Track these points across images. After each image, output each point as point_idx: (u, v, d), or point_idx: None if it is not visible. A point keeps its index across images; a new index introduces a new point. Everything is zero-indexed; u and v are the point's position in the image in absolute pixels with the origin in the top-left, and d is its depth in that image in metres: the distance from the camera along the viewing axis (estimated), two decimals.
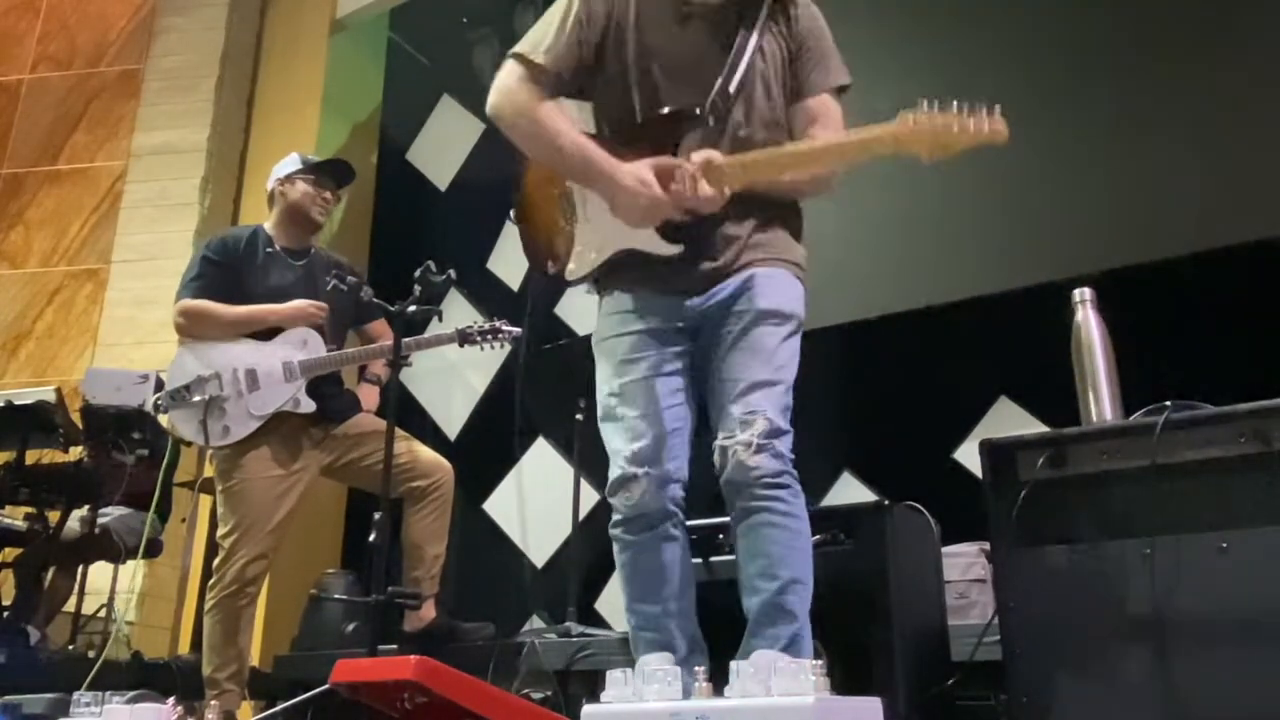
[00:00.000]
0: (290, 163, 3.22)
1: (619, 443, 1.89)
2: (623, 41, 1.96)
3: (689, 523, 1.94)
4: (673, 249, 1.88)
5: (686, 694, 1.38)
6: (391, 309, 2.88)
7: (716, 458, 1.84)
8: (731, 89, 1.90)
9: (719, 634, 1.79)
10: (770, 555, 1.76)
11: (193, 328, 3.03)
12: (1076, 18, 3.44)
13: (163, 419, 3.04)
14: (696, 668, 1.40)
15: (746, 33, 1.92)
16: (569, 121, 1.93)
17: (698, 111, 1.88)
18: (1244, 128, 3.06)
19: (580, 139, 1.90)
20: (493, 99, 2.00)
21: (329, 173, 3.23)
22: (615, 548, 1.91)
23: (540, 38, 1.97)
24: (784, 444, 1.80)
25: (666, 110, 1.91)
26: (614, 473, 1.89)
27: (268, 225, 3.21)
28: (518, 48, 1.99)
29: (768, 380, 1.83)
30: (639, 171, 1.82)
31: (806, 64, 1.99)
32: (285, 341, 3.02)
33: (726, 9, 1.95)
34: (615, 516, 1.90)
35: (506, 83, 1.98)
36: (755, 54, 1.92)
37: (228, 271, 3.07)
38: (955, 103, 1.57)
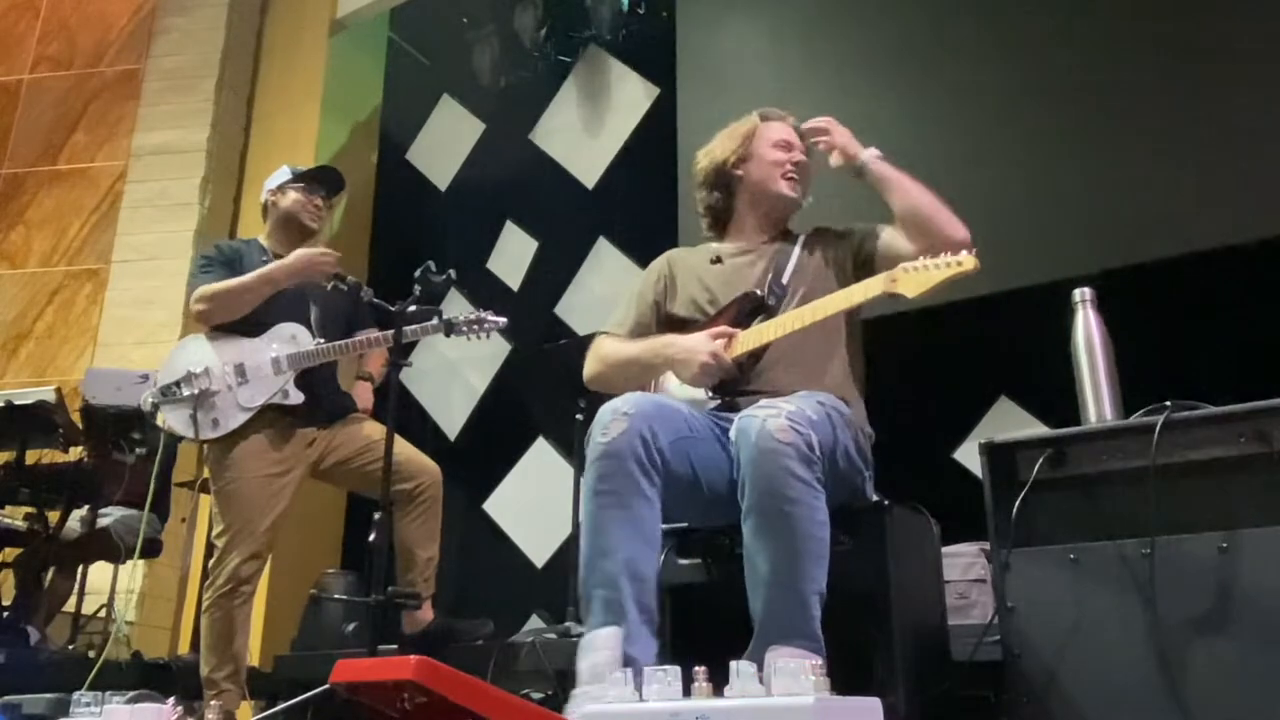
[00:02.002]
0: (280, 174, 3.26)
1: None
2: (675, 293, 2.28)
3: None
4: (714, 400, 2.07)
5: (686, 694, 1.38)
6: (392, 309, 2.88)
7: (734, 434, 1.81)
8: (784, 279, 2.14)
9: (719, 634, 1.79)
10: (787, 563, 1.69)
11: (215, 308, 3.03)
12: (1077, 16, 3.44)
13: (160, 418, 3.05)
14: (696, 668, 1.40)
15: (788, 245, 2.22)
16: (637, 341, 2.23)
17: (758, 293, 2.13)
18: (1244, 127, 3.06)
19: (648, 341, 2.19)
20: (586, 370, 2.30)
21: (319, 180, 3.26)
22: (583, 501, 1.84)
23: (618, 314, 2.33)
24: (813, 438, 1.75)
25: (728, 302, 2.17)
26: (598, 416, 1.87)
27: (262, 237, 3.25)
28: (604, 327, 2.34)
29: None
30: (697, 337, 2.07)
31: (856, 238, 2.20)
32: (273, 337, 3.04)
33: (751, 253, 2.25)
34: (588, 463, 1.84)
35: (593, 350, 2.31)
36: (801, 254, 2.19)
37: (228, 271, 3.09)
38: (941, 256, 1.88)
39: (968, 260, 1.82)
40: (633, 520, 1.78)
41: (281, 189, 3.22)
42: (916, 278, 1.85)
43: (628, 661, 1.65)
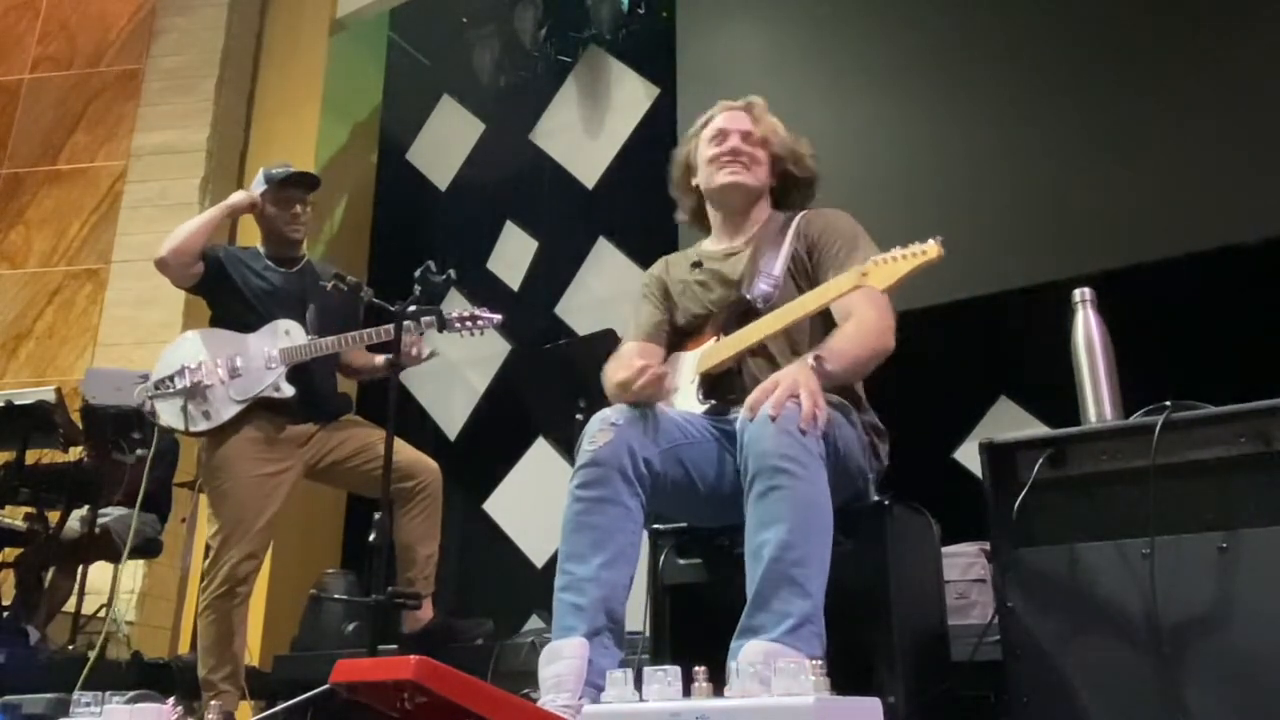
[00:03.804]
0: (257, 182, 3.23)
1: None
2: (672, 303, 2.29)
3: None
4: (704, 405, 2.06)
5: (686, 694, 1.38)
6: (391, 309, 2.89)
7: (739, 425, 1.79)
8: (768, 283, 2.11)
9: (719, 634, 1.79)
10: (787, 526, 1.64)
11: (174, 247, 3.04)
12: (1076, 17, 3.44)
13: (161, 415, 3.06)
14: (696, 668, 1.40)
15: (772, 252, 2.15)
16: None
17: (747, 297, 2.09)
18: (1244, 127, 3.06)
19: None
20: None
21: (292, 185, 3.21)
22: (566, 507, 1.83)
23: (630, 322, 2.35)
24: (806, 419, 1.72)
25: (715, 308, 2.18)
26: (588, 425, 1.87)
27: (258, 243, 3.28)
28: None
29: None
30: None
31: (823, 267, 2.11)
32: (267, 333, 3.07)
33: (733, 255, 2.21)
34: (574, 470, 1.84)
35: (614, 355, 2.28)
36: (786, 263, 2.13)
37: (221, 263, 3.12)
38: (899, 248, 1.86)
39: (932, 249, 1.82)
40: (609, 529, 1.77)
41: (261, 199, 3.20)
42: (886, 270, 1.85)
43: (591, 671, 1.64)
